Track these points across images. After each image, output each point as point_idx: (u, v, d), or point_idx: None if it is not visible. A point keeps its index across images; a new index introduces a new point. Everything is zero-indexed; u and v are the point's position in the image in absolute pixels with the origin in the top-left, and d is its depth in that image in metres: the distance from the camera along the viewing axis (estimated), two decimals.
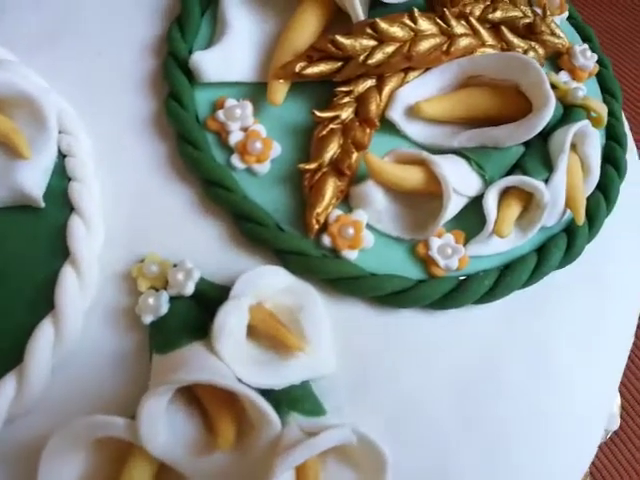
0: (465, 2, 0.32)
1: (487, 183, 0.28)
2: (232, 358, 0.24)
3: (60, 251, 0.26)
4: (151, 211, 0.28)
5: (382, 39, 0.28)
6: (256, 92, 0.29)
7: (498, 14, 0.32)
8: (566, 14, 0.35)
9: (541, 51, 0.32)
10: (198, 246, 0.28)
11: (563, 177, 0.28)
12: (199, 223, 0.28)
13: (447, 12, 0.29)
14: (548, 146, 0.29)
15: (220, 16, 0.30)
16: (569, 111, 0.31)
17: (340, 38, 0.27)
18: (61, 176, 0.28)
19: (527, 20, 0.32)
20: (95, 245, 0.27)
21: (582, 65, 0.33)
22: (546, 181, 0.28)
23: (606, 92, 0.34)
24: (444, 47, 0.29)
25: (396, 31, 0.28)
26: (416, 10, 0.28)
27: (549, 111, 0.27)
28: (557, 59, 0.33)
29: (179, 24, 0.31)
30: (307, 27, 0.29)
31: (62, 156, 0.28)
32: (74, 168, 0.28)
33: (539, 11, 0.34)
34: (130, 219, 0.28)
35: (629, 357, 0.32)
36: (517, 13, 0.32)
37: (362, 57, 0.28)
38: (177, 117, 0.29)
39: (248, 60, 0.30)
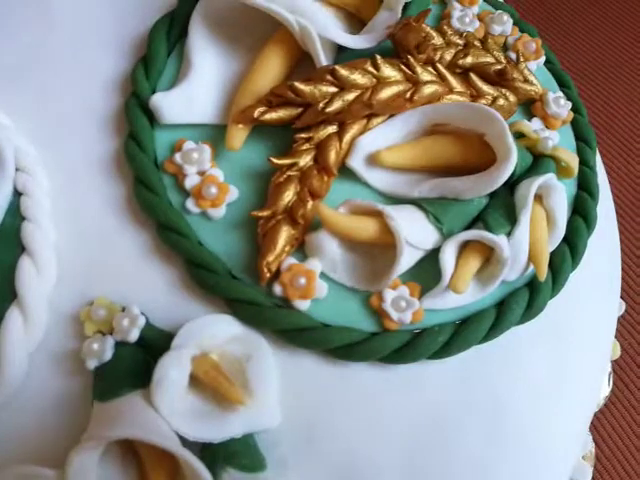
0: (436, 47, 0.31)
1: (445, 236, 0.27)
2: (170, 410, 0.24)
3: (8, 292, 0.26)
4: (105, 253, 0.28)
5: (343, 86, 0.28)
6: (217, 134, 0.29)
7: (469, 60, 0.31)
8: (543, 59, 0.34)
9: (512, 98, 0.31)
10: (150, 291, 0.27)
11: (525, 232, 0.27)
12: (152, 267, 0.28)
13: (412, 59, 0.28)
14: (514, 197, 0.29)
15: (185, 55, 0.30)
16: (538, 161, 0.30)
17: (299, 84, 0.27)
18: (15, 215, 0.28)
19: (499, 66, 0.31)
20: (44, 288, 0.27)
21: (555, 113, 0.32)
22: (509, 234, 0.28)
23: (580, 140, 0.33)
24: (407, 95, 0.28)
25: (357, 78, 0.27)
26: (379, 57, 0.28)
27: (510, 165, 0.27)
28: (530, 106, 0.33)
29: (144, 63, 0.31)
30: (270, 70, 0.29)
31: (18, 194, 0.28)
32: (28, 208, 0.27)
33: (514, 56, 0.33)
34: (83, 261, 0.28)
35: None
36: (489, 59, 0.32)
37: (321, 104, 0.27)
38: (135, 159, 0.28)
39: (210, 102, 0.29)
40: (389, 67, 0.28)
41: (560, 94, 0.33)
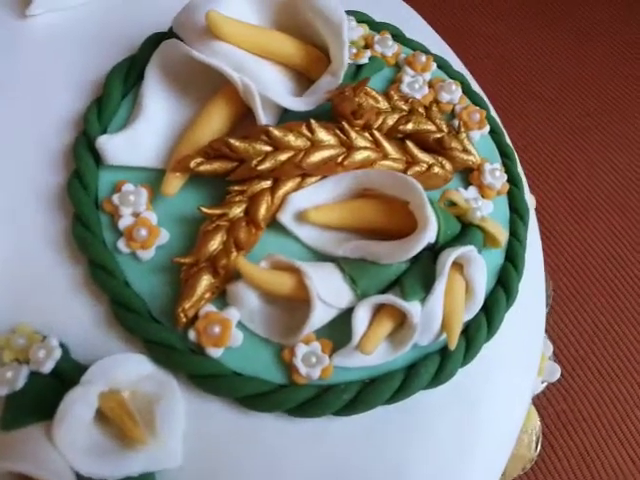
0: (380, 111, 0.33)
1: (359, 297, 0.28)
2: (69, 446, 0.25)
3: None
4: (37, 284, 0.29)
5: (277, 146, 0.29)
6: (157, 178, 0.30)
7: (410, 126, 0.32)
8: (487, 129, 0.35)
9: (448, 166, 0.32)
10: (74, 324, 0.28)
11: (439, 300, 0.28)
12: (80, 302, 0.29)
13: (346, 125, 0.30)
14: (436, 261, 0.30)
15: (138, 99, 0.32)
16: (467, 230, 0.31)
17: (234, 141, 0.28)
18: None
19: (438, 135, 0.33)
20: None
21: (490, 184, 0.33)
22: (423, 301, 0.29)
23: (514, 212, 0.34)
24: (339, 159, 0.29)
25: (291, 140, 0.29)
26: (313, 121, 0.29)
27: (427, 235, 0.28)
28: (469, 174, 0.34)
29: (98, 104, 0.32)
30: (213, 123, 0.30)
31: None
32: None
33: (457, 123, 0.35)
34: (15, 289, 0.29)
35: None
36: (429, 127, 0.33)
37: (254, 162, 0.29)
38: (76, 197, 0.30)
39: (155, 146, 0.31)
40: (324, 131, 0.29)
41: (497, 166, 0.34)
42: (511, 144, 0.36)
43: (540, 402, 0.48)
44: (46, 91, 0.33)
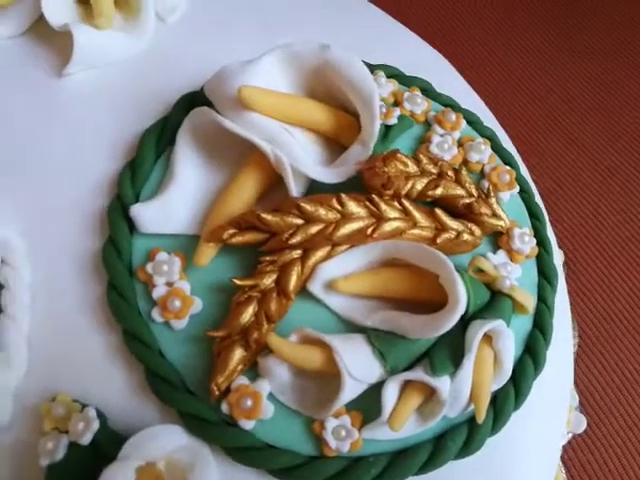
0: (409, 175, 0.33)
1: (388, 373, 0.28)
2: None
3: None
4: (73, 351, 0.30)
5: (308, 219, 0.29)
6: (191, 245, 0.31)
7: (439, 191, 0.33)
8: (516, 189, 0.35)
9: (477, 232, 0.32)
10: (110, 392, 0.29)
11: (468, 375, 0.29)
12: (116, 369, 0.30)
13: (376, 197, 0.30)
14: (465, 334, 0.30)
15: (170, 165, 0.32)
16: (495, 298, 0.31)
17: (266, 215, 0.29)
18: None
19: (467, 200, 0.33)
20: (12, 383, 0.29)
21: (519, 249, 0.33)
22: (452, 374, 0.29)
23: (543, 276, 0.34)
24: (369, 231, 0.30)
25: (321, 214, 0.29)
26: (344, 195, 0.29)
27: (458, 313, 0.28)
28: (497, 237, 0.34)
29: (131, 167, 0.33)
30: (244, 192, 0.31)
31: (0, 286, 0.30)
32: (7, 302, 0.30)
33: (487, 185, 0.35)
34: (52, 356, 0.30)
35: None
36: (459, 192, 0.33)
37: (285, 235, 0.29)
38: (111, 264, 0.30)
39: (187, 213, 0.31)
40: (354, 203, 0.30)
41: (527, 230, 0.34)
42: (541, 203, 0.36)
43: (565, 453, 0.48)
44: (80, 151, 0.34)
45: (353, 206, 0.30)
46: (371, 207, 0.30)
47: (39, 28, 0.37)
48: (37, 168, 0.33)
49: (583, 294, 0.54)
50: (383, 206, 0.30)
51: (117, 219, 0.31)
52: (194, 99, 0.35)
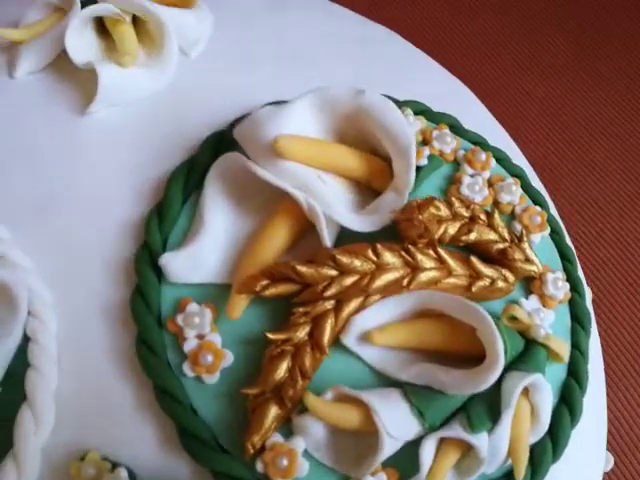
0: (442, 219, 0.32)
1: (426, 429, 0.28)
2: None
3: (7, 440, 0.28)
4: (102, 405, 0.29)
5: (343, 271, 0.29)
6: (221, 294, 0.30)
7: (472, 236, 0.32)
8: (548, 230, 0.35)
9: (511, 279, 0.32)
10: (141, 448, 0.29)
11: (506, 430, 0.28)
12: (146, 424, 0.29)
13: (412, 248, 0.29)
14: (501, 386, 0.29)
15: (198, 210, 0.32)
16: (530, 347, 0.31)
17: (301, 267, 0.28)
18: (22, 360, 0.29)
19: (501, 246, 0.32)
20: (40, 439, 0.28)
21: (552, 295, 0.33)
22: (490, 430, 0.28)
23: (576, 320, 0.33)
24: (405, 281, 0.29)
25: (357, 265, 0.28)
26: (379, 245, 0.29)
27: (497, 371, 0.27)
28: (530, 282, 0.33)
29: (159, 213, 0.32)
30: (275, 239, 0.30)
31: (27, 338, 0.30)
32: (35, 355, 0.29)
33: (518, 227, 0.34)
34: (81, 411, 0.29)
35: None
36: (492, 236, 0.32)
37: (320, 287, 0.28)
38: (139, 316, 0.30)
39: (217, 261, 0.31)
40: (389, 254, 0.29)
41: (559, 274, 0.33)
42: (572, 245, 0.36)
43: None
44: (105, 193, 0.33)
45: (389, 256, 0.29)
46: (406, 257, 0.29)
47: (59, 63, 0.37)
48: (61, 212, 0.33)
49: (604, 323, 0.53)
50: (419, 256, 0.29)
51: (145, 268, 0.31)
52: (221, 139, 0.34)
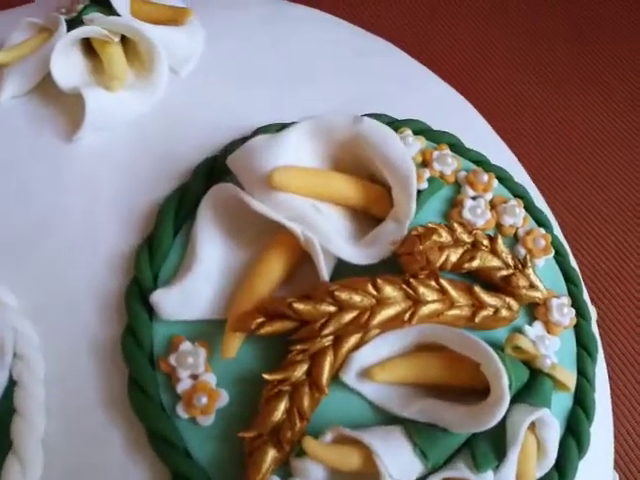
0: (443, 245, 0.31)
1: (428, 469, 0.27)
2: None
3: None
4: (92, 452, 0.28)
5: (341, 307, 0.27)
6: (215, 331, 0.29)
7: (475, 264, 0.31)
8: (552, 253, 0.34)
9: (515, 306, 0.31)
10: None
11: (513, 469, 0.27)
12: (138, 471, 0.28)
13: (414, 281, 0.28)
14: (506, 419, 0.29)
15: (191, 242, 0.31)
16: (535, 378, 0.30)
17: (297, 305, 0.27)
18: (7, 406, 0.28)
19: (505, 273, 0.31)
20: None
21: (557, 321, 0.32)
22: (496, 468, 0.27)
23: (582, 347, 0.32)
24: (406, 316, 0.28)
25: (356, 301, 0.27)
26: (380, 280, 0.28)
27: (502, 409, 0.26)
28: (533, 307, 0.32)
29: (149, 246, 0.31)
30: (271, 273, 0.29)
31: (12, 382, 0.29)
32: (21, 400, 0.28)
33: (522, 251, 0.33)
34: (69, 459, 0.28)
35: None
36: (495, 263, 0.31)
37: (318, 324, 0.27)
38: (131, 356, 0.29)
39: (210, 296, 0.29)
40: (390, 288, 0.28)
41: (565, 300, 0.32)
42: (576, 266, 0.35)
43: None
44: (93, 224, 0.32)
45: (389, 290, 0.28)
46: (408, 290, 0.28)
47: (44, 86, 0.35)
48: (47, 244, 0.31)
49: (608, 337, 0.52)
50: (421, 289, 0.28)
51: (136, 305, 0.29)
52: (214, 165, 0.33)
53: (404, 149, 0.29)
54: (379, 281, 0.28)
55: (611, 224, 0.61)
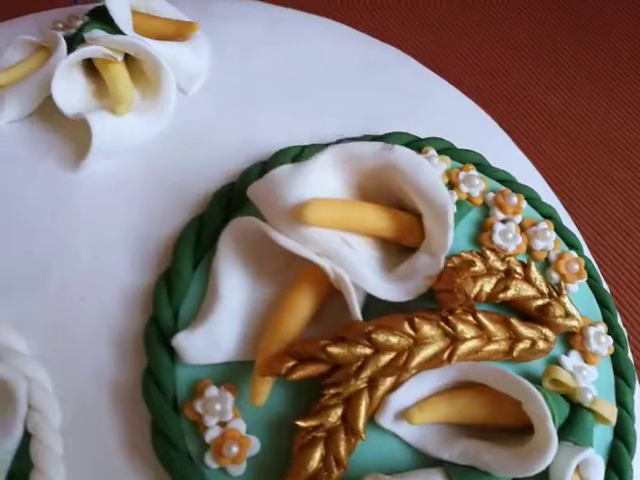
0: (477, 274, 0.30)
1: None
2: None
3: None
4: None
5: (377, 349, 0.26)
6: (241, 373, 0.28)
7: (510, 293, 0.30)
8: (585, 277, 0.32)
9: (552, 337, 0.30)
10: None
11: None
12: None
13: (452, 318, 0.27)
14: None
15: (212, 279, 0.29)
16: (576, 412, 0.29)
17: (332, 348, 0.25)
18: (24, 459, 0.26)
19: (540, 302, 0.30)
20: None
21: (595, 351, 0.30)
22: None
23: (619, 375, 0.31)
24: (445, 355, 0.27)
25: (393, 343, 0.26)
26: (417, 319, 0.26)
27: (550, 454, 0.25)
28: (569, 336, 0.31)
29: (167, 282, 0.29)
30: (299, 312, 0.27)
31: (28, 435, 0.27)
32: (38, 455, 0.26)
33: (555, 276, 0.32)
34: None
35: None
36: (530, 292, 0.30)
37: (354, 368, 0.26)
38: (153, 401, 0.27)
39: (235, 337, 0.28)
40: (427, 325, 0.27)
41: (601, 328, 0.31)
42: (608, 289, 0.34)
43: None
44: (106, 258, 0.30)
45: (427, 328, 0.27)
46: (446, 328, 0.27)
47: (45, 109, 0.33)
48: (56, 282, 0.29)
49: (632, 346, 0.51)
50: (460, 326, 0.27)
51: (156, 347, 0.28)
52: (231, 193, 0.31)
53: (438, 179, 0.27)
54: (417, 320, 0.26)
55: (633, 236, 0.59)
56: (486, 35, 0.75)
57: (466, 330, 0.27)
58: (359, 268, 0.27)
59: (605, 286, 0.34)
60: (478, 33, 0.76)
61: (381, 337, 0.26)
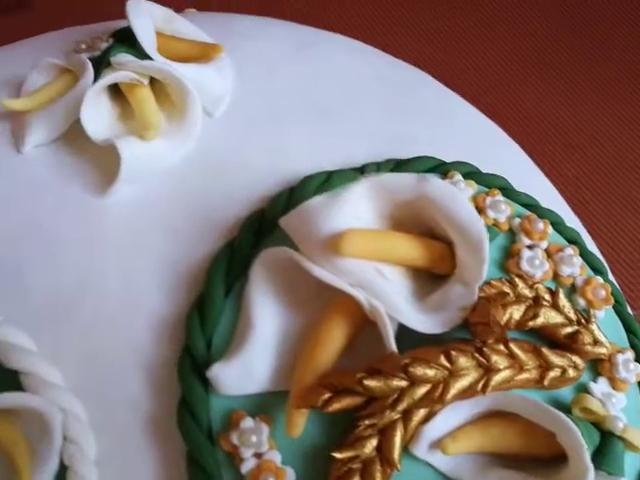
0: (506, 303, 0.30)
1: None
2: None
3: None
4: None
5: (413, 381, 0.26)
6: (275, 403, 0.28)
7: (539, 321, 0.30)
8: (612, 303, 0.33)
9: (581, 365, 0.30)
10: None
11: None
12: None
13: (487, 350, 0.27)
14: None
15: (244, 308, 0.29)
16: (606, 440, 0.29)
17: (368, 382, 0.26)
18: None
19: (570, 330, 0.30)
20: None
21: (624, 378, 0.31)
22: None
23: None
24: (479, 386, 0.27)
25: (430, 376, 0.26)
26: (454, 352, 0.26)
27: None
28: (597, 362, 0.31)
29: (199, 310, 0.29)
30: (333, 343, 0.27)
31: (64, 467, 0.27)
32: None
33: (581, 302, 0.32)
34: None
35: None
36: (559, 320, 0.30)
37: (390, 400, 0.26)
38: (188, 433, 0.27)
39: (269, 367, 0.28)
40: (463, 358, 0.27)
41: (629, 355, 0.31)
42: (632, 313, 0.34)
43: None
44: (135, 286, 0.30)
45: (462, 360, 0.27)
46: (480, 359, 0.27)
47: (70, 134, 0.33)
48: (86, 311, 0.29)
49: None
50: (494, 357, 0.27)
51: (190, 377, 0.28)
52: (262, 219, 0.31)
53: (474, 212, 0.27)
54: (453, 353, 0.26)
55: None
56: (493, 51, 0.75)
57: (499, 360, 0.27)
58: (393, 299, 0.27)
59: (630, 311, 0.34)
60: (485, 49, 0.76)
61: (418, 370, 0.26)
